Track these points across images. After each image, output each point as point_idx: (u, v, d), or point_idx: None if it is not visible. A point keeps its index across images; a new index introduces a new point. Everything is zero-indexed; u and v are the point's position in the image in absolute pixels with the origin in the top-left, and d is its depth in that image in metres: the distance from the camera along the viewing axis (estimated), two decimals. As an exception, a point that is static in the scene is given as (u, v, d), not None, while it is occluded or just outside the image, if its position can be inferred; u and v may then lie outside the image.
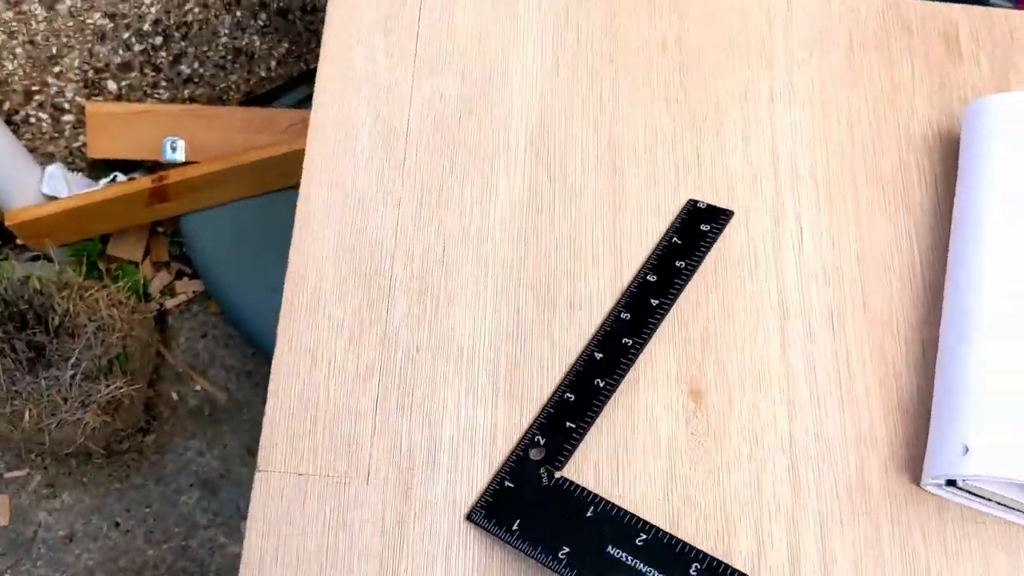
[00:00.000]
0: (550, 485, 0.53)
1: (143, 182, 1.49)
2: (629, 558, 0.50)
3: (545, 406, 0.57)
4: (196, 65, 1.55)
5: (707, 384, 0.58)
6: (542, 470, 0.54)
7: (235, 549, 1.49)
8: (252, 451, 1.51)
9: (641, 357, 0.58)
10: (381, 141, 0.65)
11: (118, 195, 1.48)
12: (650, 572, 0.49)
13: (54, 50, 1.42)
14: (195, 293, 1.65)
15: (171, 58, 1.52)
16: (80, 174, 1.55)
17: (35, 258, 1.62)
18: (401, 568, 0.52)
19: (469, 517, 0.53)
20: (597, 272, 0.61)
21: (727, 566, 0.50)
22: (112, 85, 1.50)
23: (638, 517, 0.52)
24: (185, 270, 1.66)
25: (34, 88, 1.45)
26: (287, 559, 0.51)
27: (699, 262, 0.61)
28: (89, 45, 1.44)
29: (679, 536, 0.52)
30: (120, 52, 1.47)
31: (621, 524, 0.52)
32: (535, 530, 0.52)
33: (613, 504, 0.53)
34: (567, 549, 0.51)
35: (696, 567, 0.50)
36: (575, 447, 0.55)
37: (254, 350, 1.61)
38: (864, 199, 0.65)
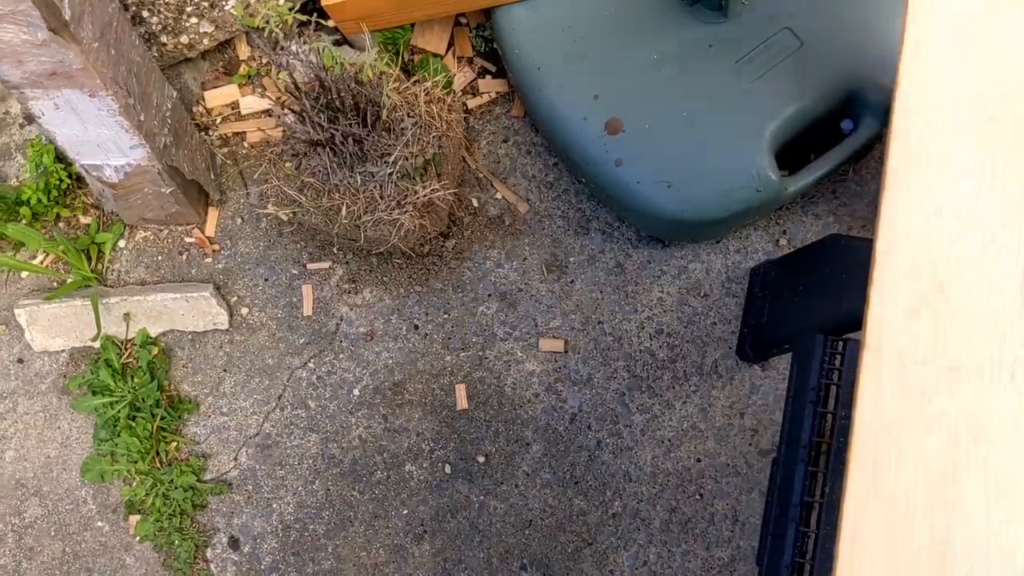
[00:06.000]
0: None
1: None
2: None
3: None
4: None
5: None
6: None
7: (531, 366, 1.45)
8: (550, 267, 1.45)
9: None
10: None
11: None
12: None
13: None
14: (498, 94, 1.56)
15: None
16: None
17: (338, 43, 1.54)
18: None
19: None
20: None
21: None
22: None
23: None
24: (489, 67, 1.56)
25: None
26: (902, 458, 0.41)
27: None
28: None
29: None
30: None
31: None
32: None
33: None
34: None
35: None
36: None
37: (556, 159, 1.51)
38: None
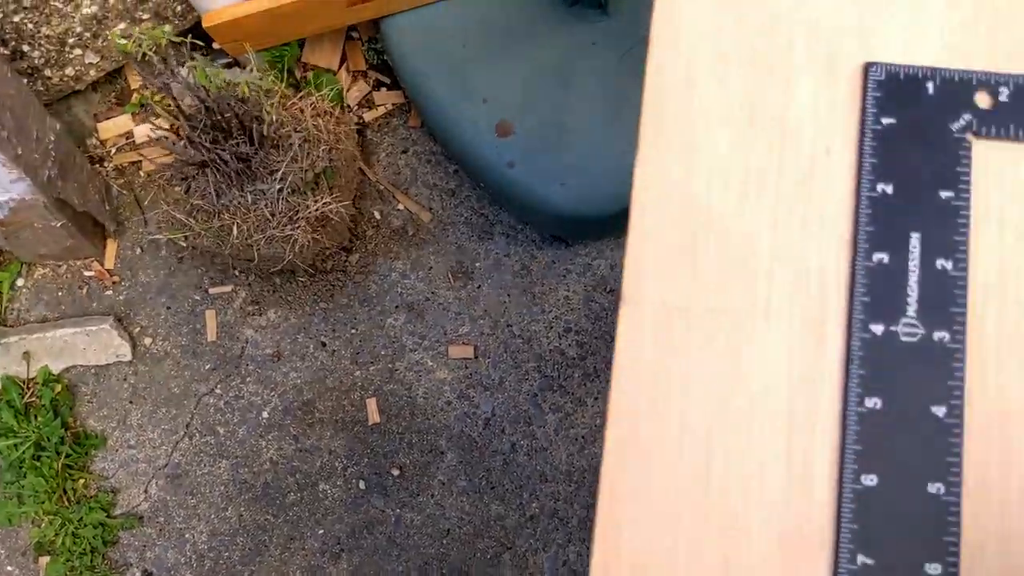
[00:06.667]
0: None
1: (344, -21, 1.37)
2: None
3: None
4: None
5: None
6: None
7: (442, 374, 1.43)
8: (456, 274, 1.44)
9: None
10: None
11: (318, -6, 1.37)
12: None
13: None
14: (395, 105, 1.55)
15: None
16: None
17: (228, 65, 1.53)
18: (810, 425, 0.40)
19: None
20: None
21: None
22: None
23: None
24: (384, 80, 1.55)
25: None
26: (659, 406, 0.40)
27: None
28: None
29: None
30: None
31: None
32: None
33: None
34: None
35: None
36: None
37: (456, 167, 1.51)
38: None
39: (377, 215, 1.52)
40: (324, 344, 1.48)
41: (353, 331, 1.48)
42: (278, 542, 1.41)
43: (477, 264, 1.49)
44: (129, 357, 1.48)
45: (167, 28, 1.37)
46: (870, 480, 0.40)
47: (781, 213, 0.44)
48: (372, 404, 1.45)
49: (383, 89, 1.57)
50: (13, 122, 1.28)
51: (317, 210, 1.33)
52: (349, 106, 1.54)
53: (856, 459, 0.41)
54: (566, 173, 1.34)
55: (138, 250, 1.53)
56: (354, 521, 1.41)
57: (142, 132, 1.57)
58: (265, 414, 1.46)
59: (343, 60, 1.56)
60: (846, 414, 0.41)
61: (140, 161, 1.56)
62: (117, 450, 1.46)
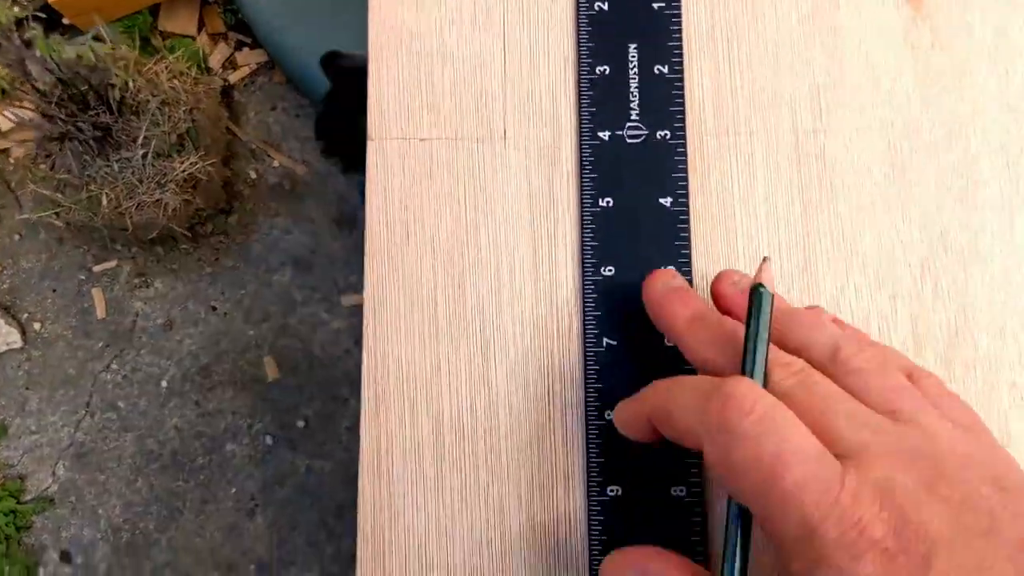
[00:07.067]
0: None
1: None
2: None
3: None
4: None
5: None
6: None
7: (337, 324, 1.45)
8: (340, 223, 1.45)
9: None
10: None
11: (161, -43, 1.36)
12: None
13: None
14: (258, 64, 1.55)
15: None
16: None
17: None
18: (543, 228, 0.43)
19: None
20: None
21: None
22: None
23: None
24: (244, 40, 1.55)
25: None
26: (417, 232, 0.43)
27: None
28: None
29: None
30: None
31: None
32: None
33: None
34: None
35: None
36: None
37: (328, 118, 1.52)
38: None
39: (252, 174, 1.52)
40: (215, 308, 1.48)
41: (242, 292, 1.49)
42: (192, 506, 1.42)
43: (359, 211, 1.50)
44: (20, 344, 1.47)
45: (15, 9, 1.36)
46: (608, 271, 0.44)
47: (510, 42, 0.46)
48: (270, 361, 1.46)
49: (245, 49, 1.57)
50: None
51: (184, 171, 1.33)
52: (211, 69, 1.54)
53: (594, 253, 0.44)
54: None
55: (16, 237, 1.51)
56: (265, 476, 1.43)
57: (5, 119, 1.55)
58: (164, 383, 1.46)
59: (201, 25, 1.56)
60: (583, 215, 0.44)
61: (8, 149, 1.55)
62: (19, 437, 1.46)
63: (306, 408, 1.44)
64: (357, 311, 1.47)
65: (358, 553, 0.43)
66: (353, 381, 1.45)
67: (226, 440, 1.44)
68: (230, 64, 1.56)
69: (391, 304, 0.45)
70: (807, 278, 0.44)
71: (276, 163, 1.53)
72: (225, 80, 1.55)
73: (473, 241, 0.45)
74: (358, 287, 1.48)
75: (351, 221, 1.49)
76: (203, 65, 1.51)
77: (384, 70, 0.46)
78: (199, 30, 1.55)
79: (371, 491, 0.44)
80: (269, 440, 1.44)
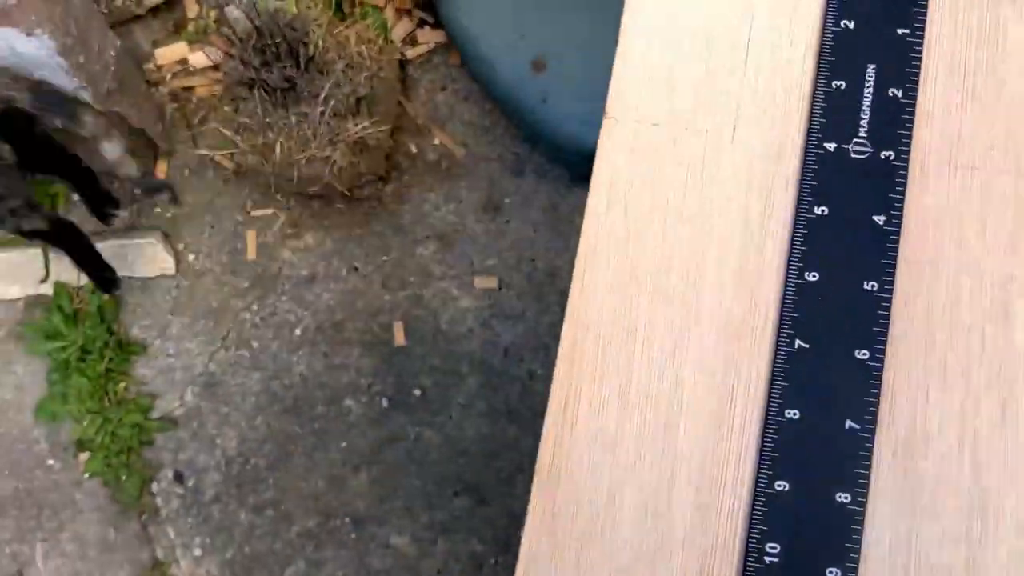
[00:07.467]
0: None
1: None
2: None
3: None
4: None
5: None
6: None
7: (466, 303, 1.50)
8: (486, 208, 1.49)
9: None
10: None
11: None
12: None
13: None
14: (436, 44, 1.61)
15: None
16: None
17: (283, -1, 1.60)
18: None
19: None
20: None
21: None
22: None
23: None
24: (427, 19, 1.61)
25: None
26: (635, 207, 0.45)
27: None
28: None
29: None
30: None
31: None
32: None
33: None
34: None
35: None
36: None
37: (492, 105, 1.56)
38: None
39: (414, 148, 1.58)
40: (356, 268, 1.54)
41: (385, 258, 1.54)
42: (303, 452, 1.49)
43: (507, 200, 1.54)
44: (173, 271, 1.56)
45: (224, -46, 1.45)
46: (812, 276, 0.45)
47: (753, 45, 0.49)
48: (399, 327, 1.51)
49: (426, 28, 1.62)
50: (77, 31, 1.35)
51: (356, 134, 1.40)
52: (392, 41, 1.60)
53: (801, 257, 0.46)
54: (596, 112, 1.39)
55: (186, 171, 1.60)
56: (376, 436, 1.48)
57: (197, 59, 1.64)
58: (298, 331, 1.53)
59: (390, -1, 1.62)
60: (796, 219, 0.46)
61: (193, 88, 1.64)
62: (156, 358, 1.54)
63: (425, 378, 1.49)
64: (487, 294, 1.51)
65: (534, 486, 0.46)
66: (473, 361, 1.49)
67: (346, 395, 1.50)
68: (410, 40, 1.62)
69: (601, 261, 0.47)
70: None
71: (437, 141, 1.58)
72: (403, 55, 1.61)
73: (686, 224, 0.47)
74: (493, 270, 1.52)
75: (496, 208, 1.54)
76: (387, 37, 1.58)
77: (633, 53, 0.49)
78: (387, 2, 1.62)
79: (554, 434, 0.47)
80: (385, 403, 1.49)
